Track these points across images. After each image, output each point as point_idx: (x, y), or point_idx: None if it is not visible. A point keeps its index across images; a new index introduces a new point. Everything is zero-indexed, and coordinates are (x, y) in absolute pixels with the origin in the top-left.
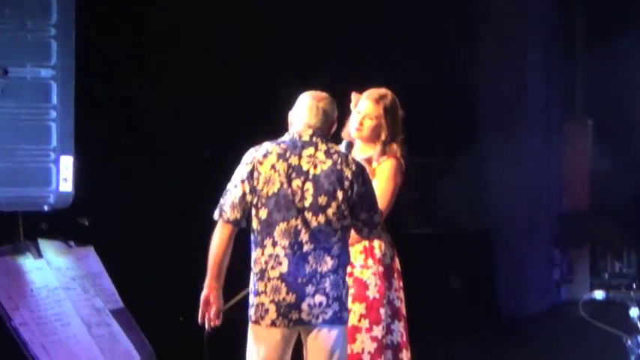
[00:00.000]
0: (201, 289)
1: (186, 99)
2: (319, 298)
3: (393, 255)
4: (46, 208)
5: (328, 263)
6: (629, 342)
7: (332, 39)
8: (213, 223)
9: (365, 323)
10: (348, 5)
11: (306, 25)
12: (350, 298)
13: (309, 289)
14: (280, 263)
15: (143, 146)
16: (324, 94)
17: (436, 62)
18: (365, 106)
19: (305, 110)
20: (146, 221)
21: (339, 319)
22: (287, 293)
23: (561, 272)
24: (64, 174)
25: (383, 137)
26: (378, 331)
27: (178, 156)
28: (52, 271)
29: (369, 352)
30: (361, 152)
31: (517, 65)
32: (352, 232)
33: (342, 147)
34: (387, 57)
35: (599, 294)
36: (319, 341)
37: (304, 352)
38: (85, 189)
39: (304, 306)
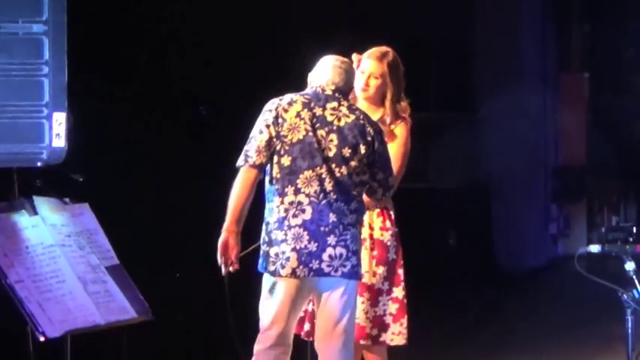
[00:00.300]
0: (198, 246)
1: (185, 53)
2: (340, 250)
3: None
4: (39, 164)
5: (349, 216)
6: (625, 295)
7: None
8: (209, 179)
9: (386, 285)
10: None
11: None
12: (374, 261)
13: (332, 239)
14: (303, 210)
15: (137, 101)
16: (344, 58)
17: (432, 17)
18: (368, 65)
19: (329, 68)
20: (141, 176)
21: (355, 273)
22: (309, 241)
23: (558, 227)
24: (57, 130)
25: (389, 96)
26: (398, 292)
27: (173, 112)
28: (47, 228)
29: (390, 314)
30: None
31: (513, 20)
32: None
33: None
34: (387, 15)
35: (594, 248)
36: (333, 294)
37: (315, 305)
38: (80, 145)
39: (325, 256)
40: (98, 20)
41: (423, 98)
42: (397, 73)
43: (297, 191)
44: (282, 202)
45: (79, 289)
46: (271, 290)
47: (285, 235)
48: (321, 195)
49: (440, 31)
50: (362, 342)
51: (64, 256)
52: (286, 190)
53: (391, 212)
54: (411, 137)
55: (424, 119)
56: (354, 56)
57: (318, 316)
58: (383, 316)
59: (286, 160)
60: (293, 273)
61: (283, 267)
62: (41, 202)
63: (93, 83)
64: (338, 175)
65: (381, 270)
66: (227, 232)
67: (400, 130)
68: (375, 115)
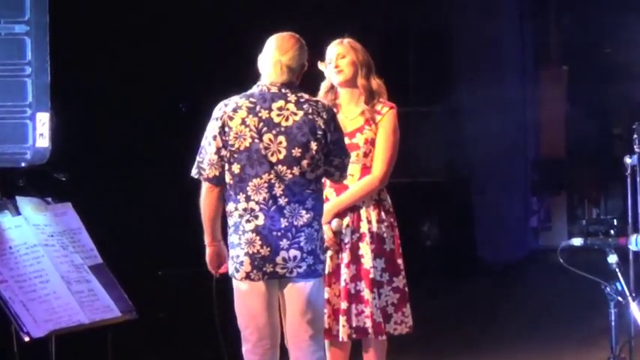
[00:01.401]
0: (181, 243)
1: (165, 53)
2: (294, 253)
3: (393, 205)
4: (23, 164)
5: (304, 217)
6: (608, 288)
7: None
8: (192, 178)
9: (385, 276)
10: None
11: None
12: (371, 255)
13: (284, 242)
14: (256, 217)
15: (120, 100)
16: (290, 43)
17: (411, 9)
18: (333, 51)
19: (270, 66)
20: (124, 176)
21: (313, 272)
22: (261, 246)
23: (539, 219)
24: (41, 130)
25: (360, 72)
26: (398, 281)
27: (156, 110)
28: (30, 228)
29: (392, 304)
30: (348, 103)
31: (492, 12)
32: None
33: (333, 225)
34: (362, 5)
35: (577, 241)
36: (294, 294)
37: (281, 305)
38: (63, 145)
39: (279, 259)
40: (80, 20)
41: (402, 92)
42: (361, 51)
43: (247, 199)
44: (236, 209)
45: (63, 289)
46: (236, 291)
47: (240, 239)
48: (270, 202)
49: (417, 25)
50: (380, 338)
51: (47, 256)
52: (238, 197)
53: (385, 203)
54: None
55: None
56: (320, 65)
57: (284, 315)
58: (385, 307)
59: (236, 168)
60: (247, 277)
61: (238, 271)
62: (24, 202)
63: (75, 83)
64: (289, 177)
65: (379, 263)
66: (210, 247)
67: (389, 117)
68: (358, 105)
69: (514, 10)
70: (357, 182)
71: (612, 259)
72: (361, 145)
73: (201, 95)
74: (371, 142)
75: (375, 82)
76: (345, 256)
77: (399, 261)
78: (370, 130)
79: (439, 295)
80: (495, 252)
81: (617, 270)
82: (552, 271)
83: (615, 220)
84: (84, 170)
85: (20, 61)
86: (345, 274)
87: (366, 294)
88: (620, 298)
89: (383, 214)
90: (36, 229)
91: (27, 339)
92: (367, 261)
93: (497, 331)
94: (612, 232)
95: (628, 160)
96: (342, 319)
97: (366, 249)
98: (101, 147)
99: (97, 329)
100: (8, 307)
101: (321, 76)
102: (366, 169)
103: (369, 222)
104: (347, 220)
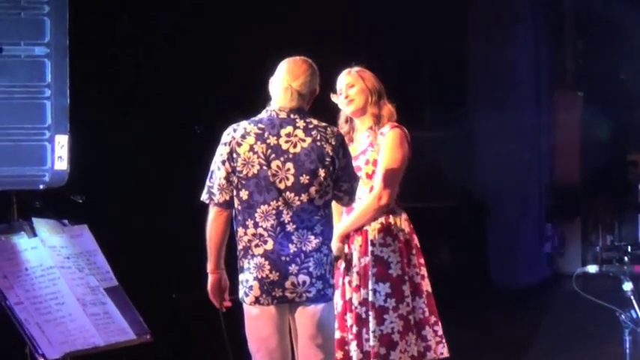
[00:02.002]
0: (195, 266)
1: (180, 77)
2: (303, 278)
3: (410, 231)
4: (41, 186)
5: (312, 242)
6: (623, 316)
7: (321, 13)
8: (203, 201)
9: (391, 302)
10: None
11: None
12: (373, 279)
13: (293, 268)
14: (265, 242)
15: (137, 124)
16: (302, 68)
17: (426, 35)
18: (342, 81)
19: (280, 91)
20: (140, 198)
21: (322, 296)
22: (270, 271)
23: (553, 245)
24: (59, 152)
25: (371, 99)
26: (403, 308)
27: (172, 134)
28: (46, 249)
29: (398, 331)
30: (361, 130)
31: (507, 37)
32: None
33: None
34: (377, 30)
35: (592, 268)
36: (305, 318)
37: (292, 329)
38: (80, 167)
39: (288, 284)
40: (99, 43)
41: (417, 117)
42: (370, 78)
43: (256, 225)
44: (245, 234)
45: (78, 311)
46: (247, 315)
47: (249, 263)
48: (278, 228)
49: (433, 50)
50: None
51: (63, 278)
52: (247, 222)
53: (394, 227)
54: (407, 144)
55: (418, 138)
56: (332, 97)
57: (295, 339)
58: (391, 334)
59: (244, 194)
60: (257, 301)
61: (247, 295)
62: (40, 224)
63: (93, 106)
64: (297, 203)
65: (382, 287)
66: (213, 275)
67: (390, 135)
68: (367, 130)
69: (529, 35)
70: (360, 203)
71: (627, 286)
72: (362, 166)
73: (216, 118)
74: (373, 163)
75: (387, 108)
76: (355, 280)
77: (404, 287)
78: (373, 151)
79: (452, 320)
80: (509, 277)
81: (632, 297)
82: (567, 297)
83: (629, 247)
84: (100, 192)
85: (40, 84)
86: (355, 297)
87: (370, 320)
88: (634, 326)
89: (389, 238)
90: (52, 250)
91: None
92: (370, 284)
93: (511, 357)
94: (626, 258)
95: None
96: (352, 344)
97: (371, 272)
98: (117, 169)
99: (112, 352)
100: (24, 328)
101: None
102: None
103: (373, 244)
104: (355, 243)
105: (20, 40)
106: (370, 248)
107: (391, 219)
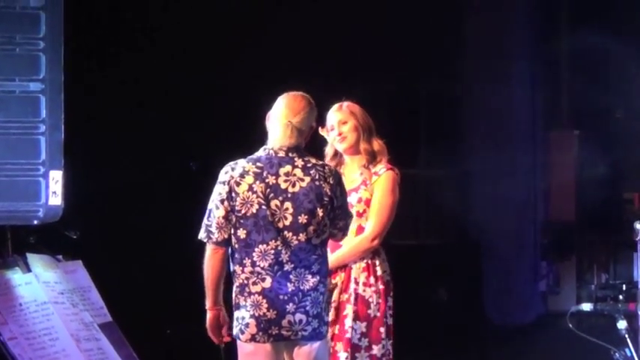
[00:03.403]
0: (190, 302)
1: (176, 114)
2: (299, 317)
3: (390, 272)
4: (35, 222)
5: (310, 281)
6: (617, 354)
7: (316, 50)
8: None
9: (364, 342)
10: (329, 13)
11: (286, 33)
12: (352, 315)
13: (290, 307)
14: (263, 280)
15: (132, 159)
16: (301, 104)
17: (421, 74)
18: (333, 118)
19: (279, 128)
20: (134, 235)
21: (317, 334)
22: (268, 309)
23: (547, 283)
24: (54, 188)
25: (363, 136)
26: (377, 349)
27: (166, 169)
28: (40, 285)
29: None
30: (351, 166)
31: (502, 76)
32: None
33: None
34: (371, 69)
35: (586, 306)
36: (300, 356)
37: None
38: (74, 202)
39: (284, 322)
40: (93, 79)
41: (412, 155)
42: (360, 114)
43: (253, 264)
44: (242, 272)
45: (72, 347)
46: (241, 353)
47: (245, 301)
48: (276, 267)
49: (429, 89)
50: None
51: (57, 314)
52: (244, 261)
53: (377, 268)
54: (398, 188)
55: (413, 176)
56: (321, 131)
57: None
58: None
59: (242, 233)
60: (252, 339)
61: (243, 332)
62: (34, 260)
63: (87, 141)
64: (295, 243)
65: (358, 325)
66: (212, 312)
67: (385, 178)
68: (359, 167)
69: (525, 74)
70: (349, 241)
71: (621, 324)
72: (354, 204)
73: (211, 154)
74: (365, 202)
75: (377, 144)
76: (330, 316)
77: (382, 330)
78: (366, 190)
79: (447, 357)
80: (504, 315)
81: (626, 336)
82: (561, 335)
83: (624, 286)
84: (95, 228)
85: (35, 119)
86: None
87: (341, 355)
88: None
89: (372, 278)
90: (46, 286)
91: None
92: (348, 321)
93: None
94: (621, 297)
95: (638, 225)
96: None
97: (349, 310)
98: (112, 205)
99: None
100: None
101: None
102: (361, 230)
103: (356, 282)
104: (337, 279)
105: (15, 75)
106: (353, 286)
107: (376, 260)
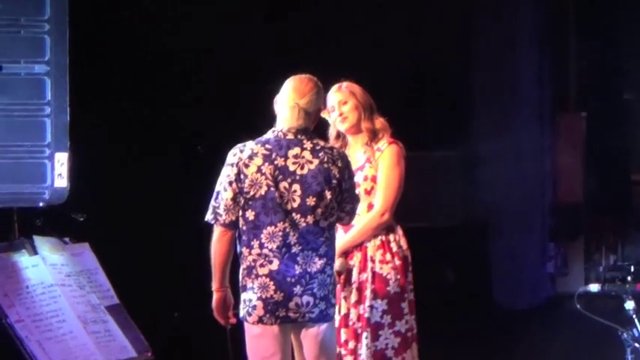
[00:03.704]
0: (197, 285)
1: (182, 93)
2: (307, 299)
3: (407, 247)
4: (41, 204)
5: (317, 263)
6: (625, 334)
7: (322, 33)
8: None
9: (387, 319)
10: None
11: (293, 15)
12: (371, 295)
13: (298, 289)
14: (271, 262)
15: (139, 142)
16: (308, 86)
17: (426, 55)
18: (333, 99)
19: (287, 110)
20: (141, 216)
21: (324, 317)
22: (275, 291)
23: (556, 265)
24: (59, 170)
25: (364, 115)
26: (400, 325)
27: (174, 151)
28: (47, 267)
29: (392, 348)
30: (355, 146)
31: (508, 57)
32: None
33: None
34: (378, 51)
35: (594, 287)
36: (308, 339)
37: (295, 348)
38: (80, 184)
39: (292, 305)
40: (99, 61)
41: (420, 137)
42: (360, 93)
43: (261, 246)
44: (250, 253)
45: (79, 329)
46: (248, 335)
47: (253, 283)
48: (284, 249)
49: (435, 71)
50: None
51: (64, 296)
52: (252, 243)
53: (392, 244)
54: (404, 160)
55: (421, 158)
56: (323, 113)
57: (298, 359)
58: (385, 350)
59: (250, 215)
60: (260, 321)
61: (250, 314)
62: (41, 242)
63: (93, 123)
64: (303, 225)
65: (379, 304)
66: (218, 293)
67: (388, 152)
68: (362, 146)
69: (532, 56)
70: (360, 220)
71: (629, 305)
72: (361, 183)
73: (218, 137)
74: (372, 179)
75: (379, 122)
76: (353, 297)
77: (403, 305)
78: (371, 167)
79: (454, 340)
80: (512, 297)
81: (634, 316)
82: (569, 317)
83: (632, 267)
84: (101, 210)
85: (40, 101)
86: (352, 314)
87: (363, 335)
88: (637, 345)
89: (388, 255)
90: (53, 268)
91: None
92: (368, 300)
93: None
94: (629, 278)
95: None
96: (350, 359)
97: (368, 289)
98: (119, 188)
99: None
100: (24, 346)
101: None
102: (372, 207)
103: (372, 261)
104: (355, 259)
105: (20, 58)
106: (369, 265)
107: (390, 236)
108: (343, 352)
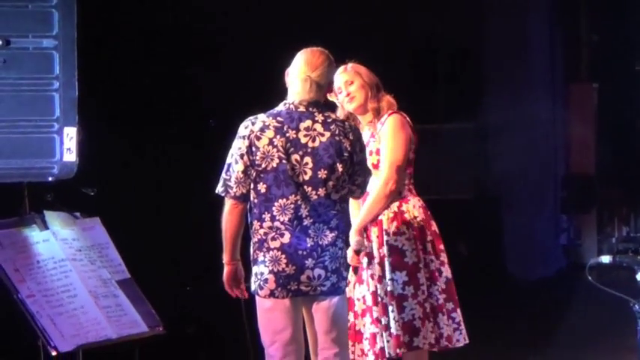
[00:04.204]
0: (209, 259)
1: (194, 67)
2: (318, 272)
3: (426, 218)
4: (50, 178)
5: (328, 236)
6: (637, 306)
7: (334, 9)
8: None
9: (410, 290)
10: None
11: None
12: (390, 268)
13: (309, 262)
14: (282, 235)
15: (149, 115)
16: (320, 59)
17: (438, 27)
18: (339, 80)
19: (299, 83)
20: (152, 191)
21: (336, 289)
22: (287, 265)
23: (568, 237)
24: (68, 144)
25: (370, 94)
26: (420, 295)
27: (183, 125)
28: (58, 242)
29: (419, 318)
30: (363, 124)
31: (521, 29)
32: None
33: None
34: (391, 25)
35: (605, 258)
36: (320, 312)
37: (306, 321)
38: (90, 159)
39: (303, 278)
40: (108, 34)
41: (431, 110)
42: (365, 73)
43: (272, 218)
44: (261, 227)
45: (90, 304)
46: (260, 308)
47: (264, 256)
48: (295, 222)
49: (447, 42)
50: (399, 350)
51: (75, 271)
52: (263, 216)
53: (406, 215)
54: (408, 126)
55: (433, 130)
56: (329, 96)
57: (309, 332)
58: (412, 321)
59: (262, 187)
60: (271, 294)
61: (262, 288)
62: (52, 217)
63: (103, 97)
64: (315, 197)
65: (398, 276)
66: (228, 266)
67: (390, 121)
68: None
69: (544, 27)
70: (370, 194)
71: None
72: (368, 157)
73: (230, 111)
74: (377, 152)
75: (385, 99)
76: (377, 272)
77: (419, 275)
78: (375, 141)
79: (467, 311)
80: (524, 269)
81: None
82: (582, 288)
83: None
84: (112, 185)
85: (48, 76)
86: (379, 289)
87: (389, 309)
88: None
89: (403, 226)
90: (64, 243)
91: (54, 353)
92: (387, 274)
93: (525, 347)
94: None
95: None
96: (385, 335)
97: (387, 262)
98: (129, 162)
99: (125, 344)
100: (35, 321)
101: None
102: None
103: (387, 234)
104: (372, 235)
105: (28, 32)
106: (385, 238)
107: (404, 207)
108: (376, 329)
